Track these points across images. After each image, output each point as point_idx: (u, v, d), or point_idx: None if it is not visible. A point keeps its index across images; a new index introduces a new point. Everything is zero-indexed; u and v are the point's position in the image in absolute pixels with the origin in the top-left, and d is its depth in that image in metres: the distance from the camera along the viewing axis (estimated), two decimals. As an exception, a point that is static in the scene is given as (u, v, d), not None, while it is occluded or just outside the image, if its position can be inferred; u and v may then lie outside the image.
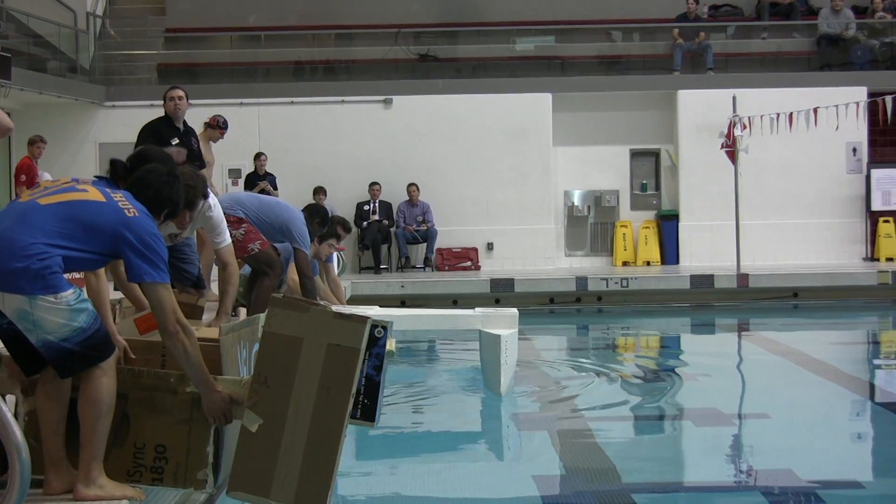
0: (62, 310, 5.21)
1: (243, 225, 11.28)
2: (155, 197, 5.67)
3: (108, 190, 5.52)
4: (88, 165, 24.00)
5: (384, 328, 5.56)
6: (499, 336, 11.38)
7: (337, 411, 5.50)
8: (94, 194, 5.46)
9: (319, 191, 23.30)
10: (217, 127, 16.12)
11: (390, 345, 6.24)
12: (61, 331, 5.22)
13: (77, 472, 5.42)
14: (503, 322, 11.73)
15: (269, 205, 11.77)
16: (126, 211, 5.42)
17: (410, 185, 24.66)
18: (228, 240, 9.66)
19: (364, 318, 5.54)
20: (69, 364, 5.33)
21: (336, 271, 17.33)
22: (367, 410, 5.71)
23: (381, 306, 13.38)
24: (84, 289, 5.68)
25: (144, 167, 5.85)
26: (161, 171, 5.77)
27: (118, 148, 23.99)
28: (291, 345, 5.47)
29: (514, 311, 12.07)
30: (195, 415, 5.62)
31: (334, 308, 5.57)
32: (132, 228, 5.37)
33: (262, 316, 6.37)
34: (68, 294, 5.24)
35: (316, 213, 12.54)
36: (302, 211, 12.12)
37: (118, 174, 6.03)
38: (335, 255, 17.82)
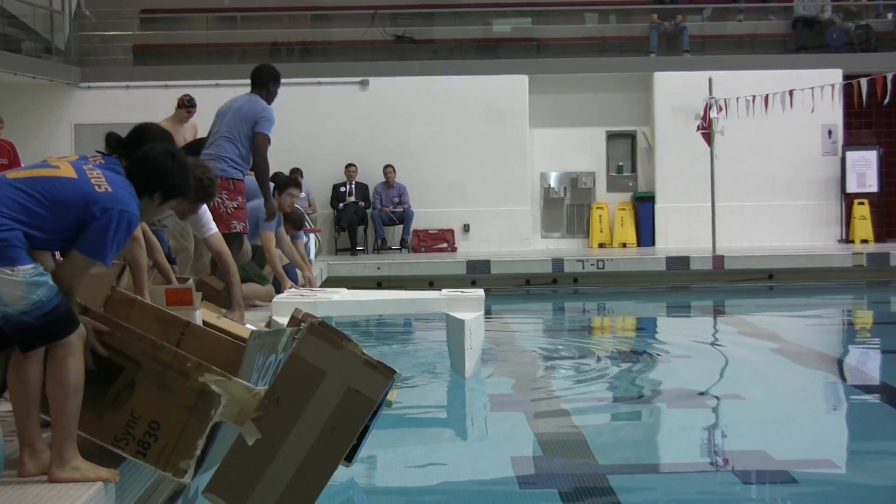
0: (18, 282, 5.17)
1: (238, 198, 11.22)
2: (150, 177, 5.59)
3: (85, 166, 5.44)
4: (63, 147, 23.91)
5: (391, 379, 5.58)
6: (462, 321, 11.34)
7: (334, 453, 5.53)
8: (66, 171, 5.38)
9: (295, 172, 23.26)
10: (183, 106, 16.08)
11: (391, 395, 6.26)
12: (20, 304, 5.18)
13: (51, 454, 5.41)
14: (468, 305, 11.65)
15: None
16: (97, 187, 5.35)
17: (387, 166, 24.66)
18: (215, 227, 9.60)
19: (391, 373, 5.53)
20: (29, 338, 5.30)
21: (312, 253, 17.34)
22: (350, 451, 5.79)
23: (356, 288, 13.39)
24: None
25: (147, 145, 5.78)
26: (161, 151, 5.69)
27: (93, 129, 23.95)
28: (313, 375, 5.47)
29: (481, 292, 12.03)
30: (199, 405, 5.59)
31: (365, 353, 5.55)
32: (100, 204, 5.30)
33: (288, 330, 6.36)
34: (27, 268, 5.19)
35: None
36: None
37: (112, 147, 6.01)
38: (312, 237, 17.82)
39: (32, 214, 5.25)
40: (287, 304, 10.91)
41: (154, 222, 8.31)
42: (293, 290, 12.70)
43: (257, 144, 11.29)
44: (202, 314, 6.73)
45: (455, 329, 11.59)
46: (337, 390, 5.46)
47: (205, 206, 9.24)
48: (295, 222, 14.42)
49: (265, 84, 11.68)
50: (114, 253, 5.38)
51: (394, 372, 5.54)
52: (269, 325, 10.40)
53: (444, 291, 12.20)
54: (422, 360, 13.28)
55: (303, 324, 6.68)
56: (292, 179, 13.58)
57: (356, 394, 5.46)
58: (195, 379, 5.60)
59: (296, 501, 5.51)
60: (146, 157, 5.62)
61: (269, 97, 11.68)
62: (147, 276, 7.27)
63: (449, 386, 11.73)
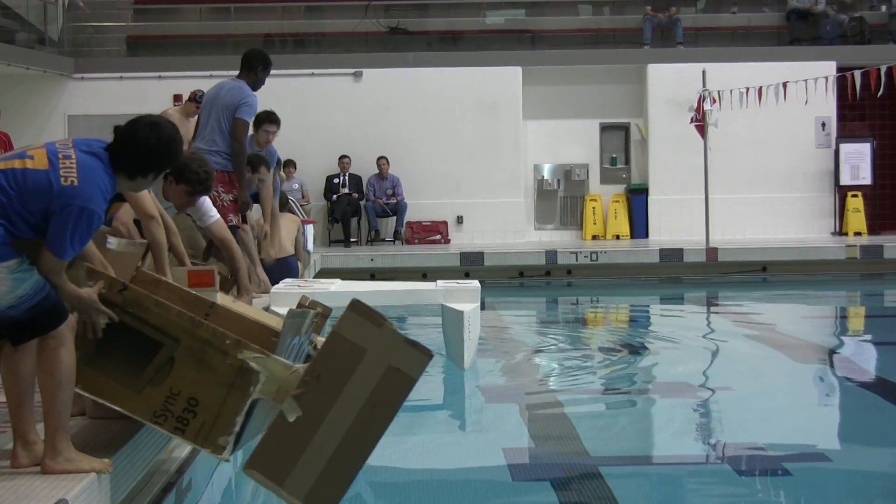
0: (2, 278, 5.17)
1: (234, 191, 11.20)
2: (130, 158, 5.51)
3: (60, 153, 5.36)
4: (57, 137, 23.45)
5: (430, 358, 5.61)
6: (461, 312, 11.34)
7: (374, 430, 5.54)
8: (40, 161, 5.30)
9: (289, 164, 23.23)
10: (193, 100, 16.07)
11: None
12: (5, 298, 5.17)
13: (44, 446, 5.41)
14: (465, 296, 11.66)
15: None
16: (62, 179, 5.23)
17: (380, 158, 24.65)
18: (216, 214, 9.60)
19: (429, 353, 5.56)
20: (17, 332, 5.30)
21: (310, 244, 17.25)
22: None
23: (350, 279, 13.38)
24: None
25: (129, 125, 5.69)
26: (141, 132, 5.56)
27: (87, 120, 23.96)
28: (354, 352, 5.47)
29: (476, 284, 12.02)
30: (238, 382, 5.59)
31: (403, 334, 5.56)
32: (60, 197, 5.24)
33: (311, 312, 6.36)
34: (9, 263, 5.17)
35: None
36: None
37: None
38: (309, 228, 17.73)
39: (9, 209, 5.22)
40: (285, 294, 10.92)
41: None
42: (290, 280, 12.69)
43: (235, 129, 11.23)
44: (220, 297, 6.72)
45: (453, 320, 11.60)
46: (377, 368, 5.47)
47: (206, 196, 9.24)
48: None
49: (254, 68, 11.63)
50: (75, 248, 5.28)
51: (431, 352, 5.57)
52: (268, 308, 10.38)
53: (441, 282, 12.20)
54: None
55: (317, 308, 6.70)
56: (269, 113, 12.89)
57: (396, 372, 5.48)
58: (234, 356, 5.60)
59: (336, 478, 5.51)
60: (126, 141, 5.52)
61: (257, 82, 11.63)
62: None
63: (444, 377, 11.74)
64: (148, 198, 7.28)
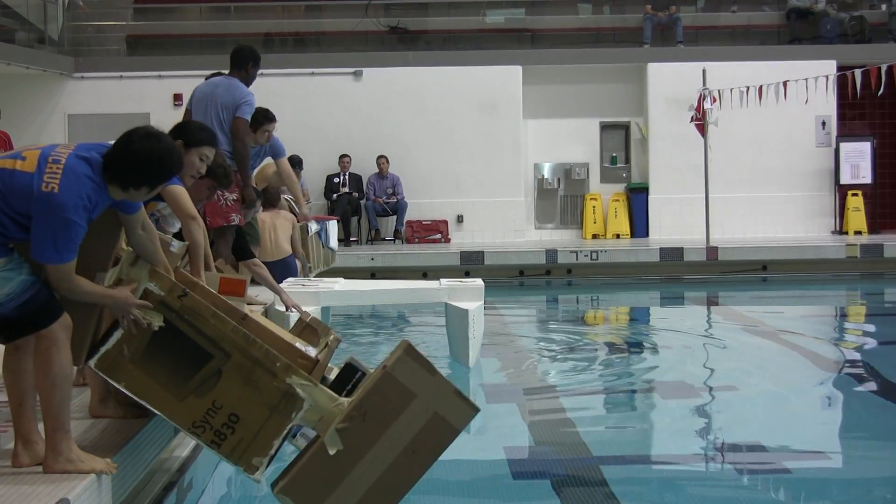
0: None
1: (237, 190, 11.18)
2: (122, 168, 5.46)
3: (50, 157, 5.33)
4: (57, 137, 23.89)
5: (476, 413, 5.69)
6: (466, 311, 11.34)
7: (411, 474, 5.60)
8: (30, 163, 5.27)
9: (294, 162, 23.17)
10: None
11: None
12: None
13: (45, 446, 5.40)
14: (469, 295, 11.66)
15: None
16: (44, 185, 5.19)
17: (380, 157, 24.65)
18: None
19: (475, 408, 5.65)
20: (8, 330, 5.31)
21: (333, 241, 17.14)
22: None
23: (351, 279, 13.36)
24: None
25: (125, 136, 5.63)
26: (136, 143, 5.43)
27: (87, 119, 23.96)
28: (403, 396, 5.53)
29: (480, 282, 12.00)
30: (281, 406, 5.59)
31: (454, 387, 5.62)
32: (38, 203, 5.20)
33: (332, 335, 6.34)
34: None
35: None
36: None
37: None
38: (332, 225, 17.59)
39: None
40: (291, 293, 10.90)
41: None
42: (292, 280, 12.66)
43: (237, 128, 11.20)
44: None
45: (457, 319, 11.59)
46: (424, 414, 5.54)
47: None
48: (270, 198, 14.17)
49: (244, 65, 11.59)
50: (60, 254, 5.22)
51: (478, 408, 5.67)
52: (265, 313, 10.38)
53: (445, 281, 12.19)
54: (421, 349, 13.26)
55: (319, 332, 6.64)
56: (264, 111, 12.74)
57: (442, 420, 5.55)
58: (282, 379, 5.60)
59: None
60: (125, 149, 5.43)
61: (248, 79, 11.59)
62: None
63: (448, 375, 11.71)
64: (188, 198, 7.15)
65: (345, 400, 5.62)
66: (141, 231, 5.71)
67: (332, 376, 5.88)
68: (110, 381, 5.70)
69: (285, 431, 5.64)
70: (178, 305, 5.65)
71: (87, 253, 5.60)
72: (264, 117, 12.47)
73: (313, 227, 15.72)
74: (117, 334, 5.61)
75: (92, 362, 5.66)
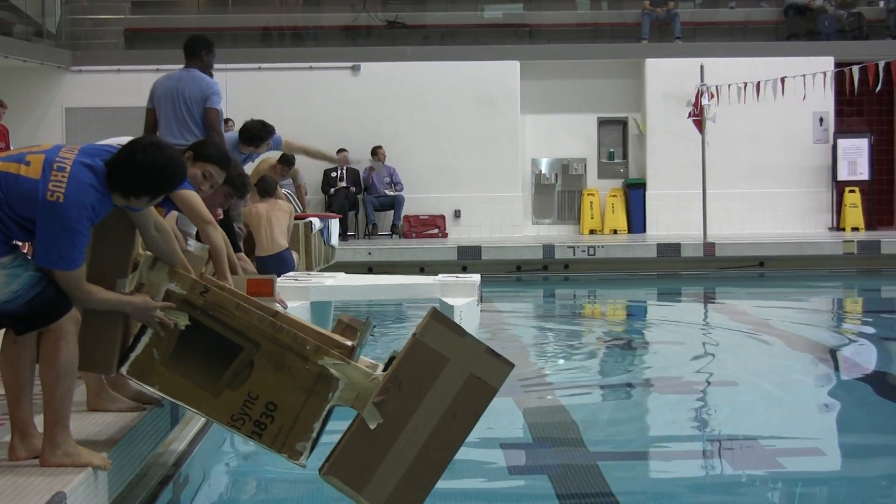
0: None
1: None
2: (124, 177, 5.44)
3: (56, 164, 5.32)
4: (54, 130, 23.89)
5: (511, 369, 5.64)
6: (452, 307, 11.27)
7: (455, 438, 5.58)
8: (34, 169, 5.27)
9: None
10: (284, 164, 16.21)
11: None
12: (0, 293, 5.21)
13: (43, 438, 5.41)
14: (461, 291, 11.57)
15: None
16: (49, 193, 5.19)
17: (377, 147, 24.64)
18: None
19: (510, 364, 5.60)
20: (18, 324, 5.33)
21: (335, 238, 17.13)
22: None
23: (348, 273, 13.37)
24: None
25: (129, 146, 5.60)
26: (139, 153, 5.41)
27: (85, 113, 23.96)
28: (436, 361, 5.51)
29: (475, 278, 11.94)
30: (317, 388, 5.58)
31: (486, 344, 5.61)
32: (42, 211, 5.19)
33: (371, 325, 6.33)
34: (3, 260, 5.20)
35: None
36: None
37: None
38: (334, 223, 17.58)
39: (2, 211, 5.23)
40: (289, 289, 10.89)
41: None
42: (291, 274, 12.64)
43: (211, 120, 11.15)
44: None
45: (447, 315, 11.52)
46: (459, 377, 5.51)
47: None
48: (267, 187, 14.15)
49: (198, 54, 11.51)
50: (65, 260, 5.24)
51: (512, 363, 5.61)
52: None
53: (441, 276, 12.15)
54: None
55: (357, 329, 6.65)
56: (264, 126, 12.83)
57: (478, 381, 5.52)
58: (314, 361, 5.60)
59: (415, 486, 5.54)
60: (127, 158, 5.41)
61: (206, 68, 11.51)
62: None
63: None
64: (201, 203, 7.01)
65: (379, 374, 5.61)
66: (155, 232, 5.72)
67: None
68: (144, 385, 5.71)
69: (324, 413, 5.63)
70: (201, 302, 5.67)
71: (104, 260, 5.65)
72: (269, 133, 12.50)
73: (317, 224, 15.70)
74: (145, 338, 5.64)
75: (124, 369, 5.68)
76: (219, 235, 7.04)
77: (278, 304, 6.72)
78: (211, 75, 11.38)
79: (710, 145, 22.40)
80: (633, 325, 16.30)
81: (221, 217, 10.82)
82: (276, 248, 13.68)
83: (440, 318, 5.56)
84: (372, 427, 5.48)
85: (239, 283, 6.59)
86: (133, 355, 5.66)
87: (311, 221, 15.22)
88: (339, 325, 6.35)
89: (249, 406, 5.63)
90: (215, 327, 5.65)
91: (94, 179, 5.32)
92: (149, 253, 5.77)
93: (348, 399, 5.61)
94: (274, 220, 13.84)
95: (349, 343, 5.78)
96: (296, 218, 15.06)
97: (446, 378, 5.51)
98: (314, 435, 5.63)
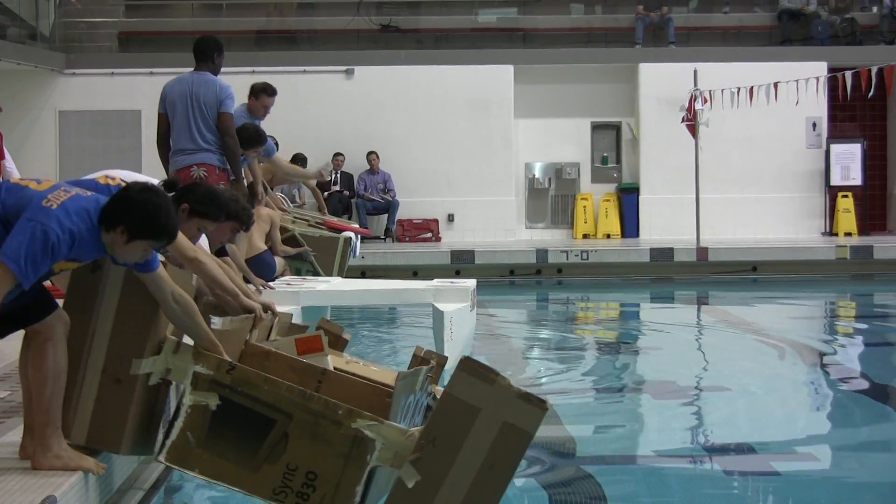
0: None
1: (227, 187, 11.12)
2: (110, 205, 5.31)
3: (63, 188, 5.28)
4: (47, 133, 23.89)
5: (545, 411, 5.56)
6: (442, 312, 11.21)
7: (495, 488, 5.48)
8: (43, 185, 5.26)
9: (297, 159, 23.16)
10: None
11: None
12: None
13: (34, 441, 5.41)
14: (454, 296, 11.49)
15: None
16: (45, 201, 5.17)
17: (370, 153, 24.66)
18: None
19: (544, 405, 5.50)
20: (2, 325, 5.39)
21: (357, 251, 17.05)
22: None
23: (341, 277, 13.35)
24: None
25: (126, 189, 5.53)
26: (132, 191, 5.35)
27: (78, 116, 23.95)
28: (468, 412, 5.41)
29: (469, 283, 11.88)
30: (354, 452, 5.52)
31: (516, 387, 5.53)
32: (31, 210, 5.09)
33: (424, 369, 6.30)
34: None
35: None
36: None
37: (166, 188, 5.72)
38: (357, 237, 17.49)
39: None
40: (280, 294, 10.85)
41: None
42: (285, 278, 12.60)
43: (226, 124, 11.13)
44: (331, 360, 6.60)
45: (438, 320, 11.52)
46: (492, 426, 5.40)
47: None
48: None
49: (209, 57, 11.51)
50: (20, 257, 5.04)
51: (546, 403, 5.51)
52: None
53: (434, 281, 12.12)
54: (409, 347, 13.27)
55: (431, 362, 6.63)
56: (265, 86, 12.74)
57: (512, 427, 5.41)
58: (348, 425, 5.53)
59: None
60: (121, 193, 5.38)
61: (216, 70, 11.52)
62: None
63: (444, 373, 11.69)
64: (185, 240, 6.63)
65: (415, 430, 5.54)
66: (174, 304, 5.60)
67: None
68: (184, 471, 5.67)
69: (364, 476, 5.56)
70: (228, 380, 5.61)
71: (121, 335, 5.63)
72: (262, 90, 12.44)
73: (357, 243, 15.44)
74: (179, 423, 5.58)
75: (161, 457, 5.64)
76: (208, 266, 6.74)
77: (328, 359, 6.52)
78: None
79: (704, 150, 22.42)
80: (626, 330, 16.30)
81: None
82: (252, 251, 13.59)
83: (469, 368, 5.43)
84: (410, 486, 5.41)
85: (287, 345, 6.49)
86: (169, 442, 5.60)
87: (350, 238, 15.00)
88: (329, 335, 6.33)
89: (290, 478, 5.58)
90: (246, 403, 5.60)
91: (92, 207, 5.27)
92: (173, 337, 5.74)
93: (387, 458, 5.54)
94: (253, 225, 13.75)
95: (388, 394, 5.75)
96: (330, 228, 14.97)
97: (479, 429, 5.41)
98: (357, 499, 5.55)
